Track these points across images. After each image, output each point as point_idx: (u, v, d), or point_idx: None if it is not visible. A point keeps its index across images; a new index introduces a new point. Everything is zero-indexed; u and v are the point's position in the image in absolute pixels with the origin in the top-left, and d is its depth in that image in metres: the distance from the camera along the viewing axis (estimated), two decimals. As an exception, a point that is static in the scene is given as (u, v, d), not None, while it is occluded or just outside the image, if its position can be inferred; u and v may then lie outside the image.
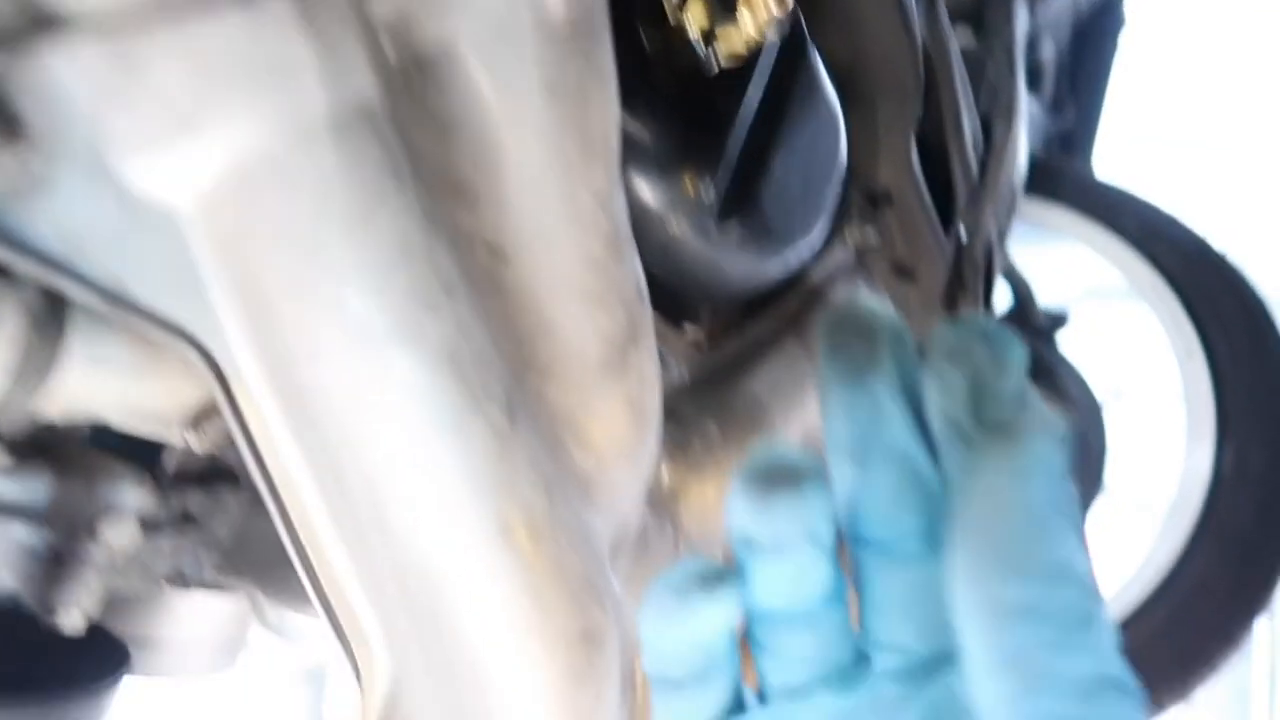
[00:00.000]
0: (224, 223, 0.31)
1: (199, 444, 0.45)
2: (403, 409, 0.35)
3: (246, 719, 1.21)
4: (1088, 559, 0.26)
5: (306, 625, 0.93)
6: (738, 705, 0.30)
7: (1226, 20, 3.68)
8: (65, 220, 0.28)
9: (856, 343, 0.30)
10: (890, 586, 0.30)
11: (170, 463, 0.50)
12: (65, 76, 0.27)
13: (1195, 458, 1.58)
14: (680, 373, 0.63)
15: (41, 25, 0.26)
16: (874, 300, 0.31)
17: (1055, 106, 2.29)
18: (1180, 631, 1.55)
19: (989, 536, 0.25)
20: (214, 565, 0.52)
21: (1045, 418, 0.27)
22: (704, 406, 0.63)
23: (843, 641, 0.31)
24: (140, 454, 0.49)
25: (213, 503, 0.50)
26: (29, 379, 0.31)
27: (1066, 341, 1.96)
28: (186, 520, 0.49)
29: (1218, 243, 1.89)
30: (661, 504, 0.58)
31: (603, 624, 0.44)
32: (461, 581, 0.39)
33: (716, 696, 0.29)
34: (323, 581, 0.39)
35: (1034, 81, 2.28)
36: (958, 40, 1.12)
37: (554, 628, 0.42)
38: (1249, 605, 1.54)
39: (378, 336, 0.34)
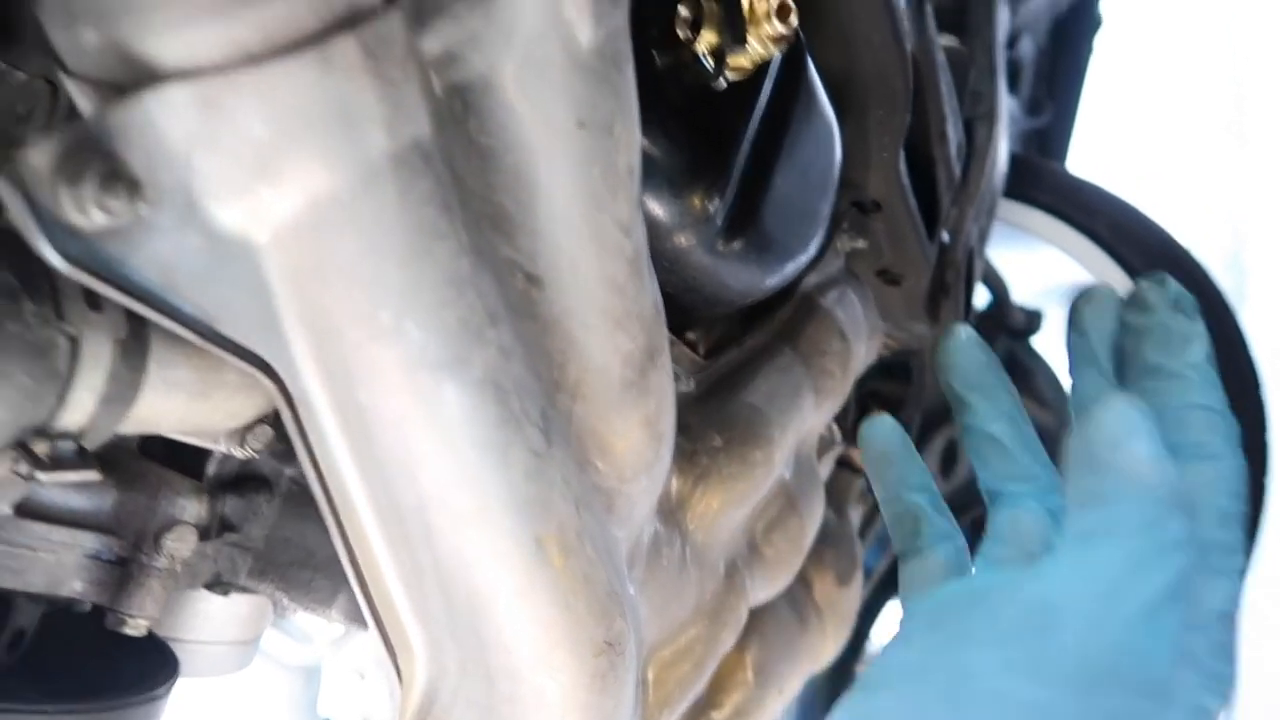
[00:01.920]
0: (296, 257, 0.33)
1: (241, 452, 0.48)
2: (450, 432, 0.38)
3: (243, 712, 1.23)
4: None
5: (315, 625, 0.95)
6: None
7: (1200, 19, 3.74)
8: (160, 256, 0.30)
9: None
10: None
11: (210, 468, 0.52)
12: (162, 121, 0.29)
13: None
14: (688, 384, 0.65)
15: (142, 78, 0.29)
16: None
17: (1033, 105, 2.32)
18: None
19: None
20: (247, 569, 0.54)
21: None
22: (708, 418, 0.65)
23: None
24: (182, 459, 0.51)
25: (248, 508, 0.52)
26: (114, 403, 0.33)
27: (1042, 342, 2.00)
28: (225, 526, 0.51)
29: (1187, 243, 1.92)
30: (670, 513, 0.61)
31: (623, 632, 0.47)
32: (499, 593, 0.42)
33: None
34: (373, 591, 0.41)
35: (1012, 81, 2.31)
36: (941, 43, 1.14)
37: (581, 636, 0.45)
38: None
39: (430, 363, 0.37)
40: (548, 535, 0.43)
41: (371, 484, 0.39)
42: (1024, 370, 1.99)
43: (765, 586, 0.74)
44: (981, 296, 1.96)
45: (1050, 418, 1.90)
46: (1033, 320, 2.02)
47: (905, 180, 0.90)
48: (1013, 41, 2.17)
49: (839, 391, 0.84)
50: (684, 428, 0.64)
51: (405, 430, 0.37)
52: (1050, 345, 2.06)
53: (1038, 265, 2.12)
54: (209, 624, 0.65)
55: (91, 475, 0.32)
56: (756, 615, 0.78)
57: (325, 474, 0.38)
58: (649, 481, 0.51)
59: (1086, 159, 2.55)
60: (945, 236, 1.12)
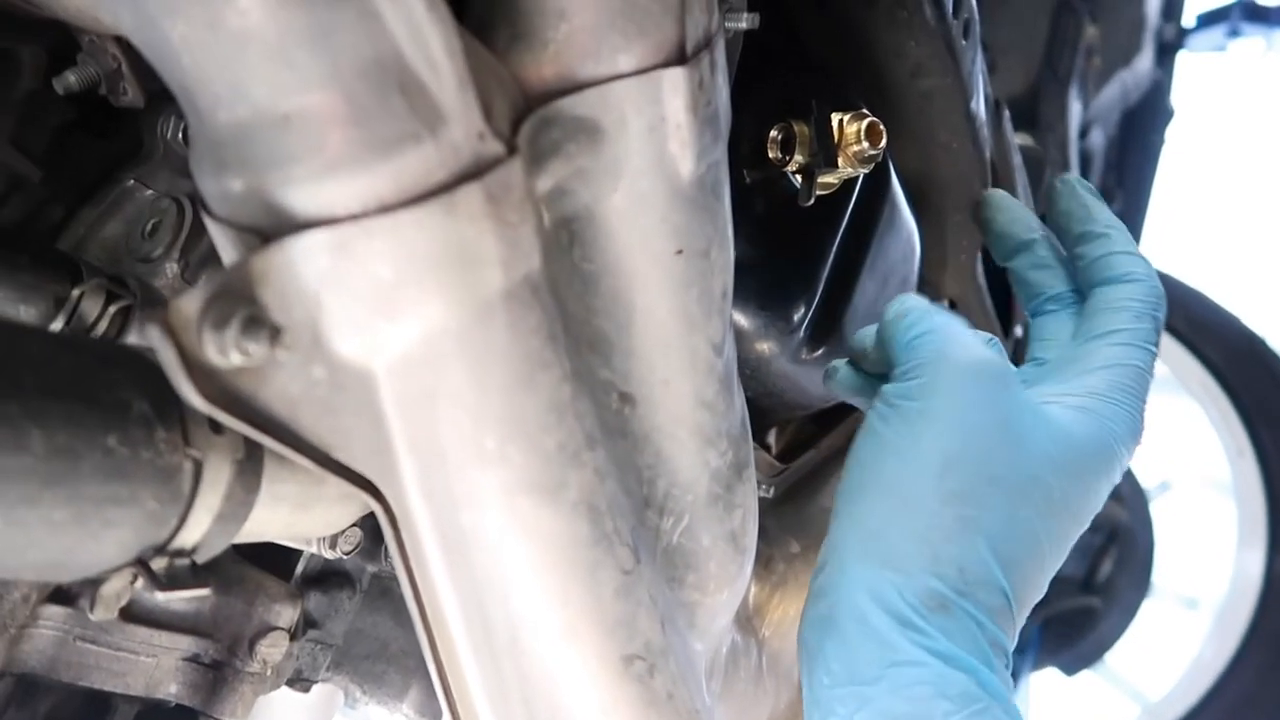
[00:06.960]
0: (409, 385, 0.34)
1: (332, 554, 0.49)
2: (544, 552, 0.38)
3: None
4: None
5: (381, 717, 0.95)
6: None
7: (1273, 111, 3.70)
8: (286, 390, 0.32)
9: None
10: None
11: (299, 567, 0.53)
12: (300, 266, 0.30)
13: (1246, 561, 1.57)
14: (766, 490, 0.65)
15: (284, 226, 0.30)
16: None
17: (1102, 194, 2.30)
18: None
19: None
20: (326, 664, 0.55)
21: None
22: (786, 524, 0.65)
23: None
24: (271, 554, 0.52)
25: (332, 605, 0.53)
26: (229, 521, 0.34)
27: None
28: (309, 623, 0.52)
29: (1269, 337, 1.88)
30: (746, 620, 0.60)
31: (704, 749, 0.47)
32: (583, 711, 0.42)
33: None
34: (456, 699, 0.42)
35: (1083, 170, 2.29)
36: (1016, 139, 1.15)
37: (663, 755, 0.44)
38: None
39: (530, 487, 0.37)
40: (633, 654, 0.43)
41: (465, 600, 0.39)
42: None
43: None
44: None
45: (1122, 510, 1.85)
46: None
47: (981, 280, 0.90)
48: (1084, 132, 2.16)
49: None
50: (761, 533, 0.64)
51: (501, 550, 0.38)
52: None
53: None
54: (278, 715, 0.66)
55: (203, 592, 0.33)
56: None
57: (420, 588, 0.39)
58: (731, 595, 0.51)
59: (1160, 249, 2.52)
60: (1019, 332, 1.12)
